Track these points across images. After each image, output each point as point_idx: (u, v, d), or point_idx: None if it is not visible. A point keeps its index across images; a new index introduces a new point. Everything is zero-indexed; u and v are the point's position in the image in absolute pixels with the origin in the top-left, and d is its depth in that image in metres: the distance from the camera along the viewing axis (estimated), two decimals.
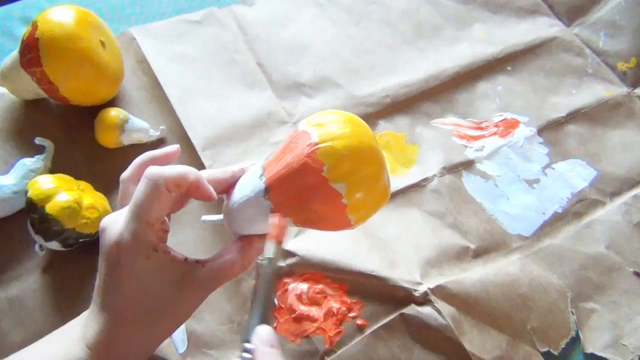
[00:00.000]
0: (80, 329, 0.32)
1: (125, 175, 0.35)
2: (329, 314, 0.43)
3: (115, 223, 0.31)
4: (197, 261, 0.32)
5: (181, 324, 0.32)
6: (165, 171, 0.30)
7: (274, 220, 0.29)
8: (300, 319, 0.43)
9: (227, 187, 0.34)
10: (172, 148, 0.36)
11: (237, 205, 0.32)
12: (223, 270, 0.32)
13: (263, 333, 0.27)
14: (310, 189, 0.29)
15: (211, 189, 0.32)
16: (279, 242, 0.29)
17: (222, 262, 0.32)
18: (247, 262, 0.33)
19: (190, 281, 0.31)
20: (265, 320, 0.28)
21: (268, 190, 0.30)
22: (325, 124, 0.29)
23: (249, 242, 0.33)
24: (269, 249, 0.29)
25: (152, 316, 0.31)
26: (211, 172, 0.33)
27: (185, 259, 0.31)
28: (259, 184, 0.31)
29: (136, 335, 0.31)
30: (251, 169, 0.33)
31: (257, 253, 0.34)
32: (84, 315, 0.33)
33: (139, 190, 0.30)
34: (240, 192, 0.32)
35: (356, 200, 0.29)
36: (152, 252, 0.30)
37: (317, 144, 0.28)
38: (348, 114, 0.31)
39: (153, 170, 0.30)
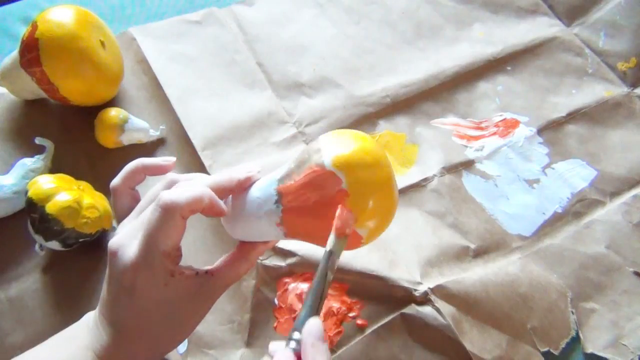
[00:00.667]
0: (87, 336, 0.32)
1: (115, 182, 0.34)
2: (329, 313, 0.43)
3: (127, 247, 0.30)
4: (207, 272, 0.32)
5: (191, 333, 0.33)
6: (180, 199, 0.29)
7: (340, 211, 0.28)
8: None
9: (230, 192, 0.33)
10: (166, 161, 0.35)
11: (246, 218, 0.32)
12: (231, 277, 0.32)
13: (313, 326, 0.26)
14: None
15: (223, 205, 0.31)
16: (342, 235, 0.28)
17: (229, 270, 0.32)
18: (250, 265, 0.33)
19: (202, 293, 0.31)
20: (315, 312, 0.27)
21: (284, 218, 0.30)
22: (354, 168, 0.28)
23: (253, 247, 0.33)
24: (330, 241, 0.28)
25: (164, 331, 0.31)
26: (216, 181, 0.32)
27: (196, 273, 0.31)
28: (275, 210, 0.30)
29: (147, 348, 0.31)
30: (263, 184, 0.32)
31: (259, 255, 0.34)
32: (89, 321, 0.33)
33: (153, 219, 0.29)
34: (251, 209, 0.32)
35: (372, 232, 0.30)
36: (169, 279, 0.30)
37: (347, 193, 0.28)
38: (369, 144, 0.30)
39: (166, 198, 0.29)
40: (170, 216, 0.28)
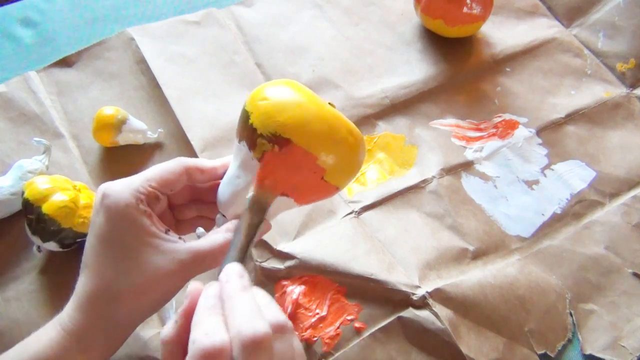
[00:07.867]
0: (54, 320, 0.34)
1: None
2: (328, 315, 0.43)
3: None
4: (180, 237, 0.32)
5: (153, 294, 0.32)
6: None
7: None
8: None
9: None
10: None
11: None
12: (205, 248, 0.32)
13: (231, 267, 0.27)
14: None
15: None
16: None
17: (204, 241, 0.32)
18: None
19: (166, 251, 0.31)
20: (242, 257, 0.28)
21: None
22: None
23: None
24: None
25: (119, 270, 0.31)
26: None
27: (167, 231, 0.32)
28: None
29: (105, 307, 0.32)
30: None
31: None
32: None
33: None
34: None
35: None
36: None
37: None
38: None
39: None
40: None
